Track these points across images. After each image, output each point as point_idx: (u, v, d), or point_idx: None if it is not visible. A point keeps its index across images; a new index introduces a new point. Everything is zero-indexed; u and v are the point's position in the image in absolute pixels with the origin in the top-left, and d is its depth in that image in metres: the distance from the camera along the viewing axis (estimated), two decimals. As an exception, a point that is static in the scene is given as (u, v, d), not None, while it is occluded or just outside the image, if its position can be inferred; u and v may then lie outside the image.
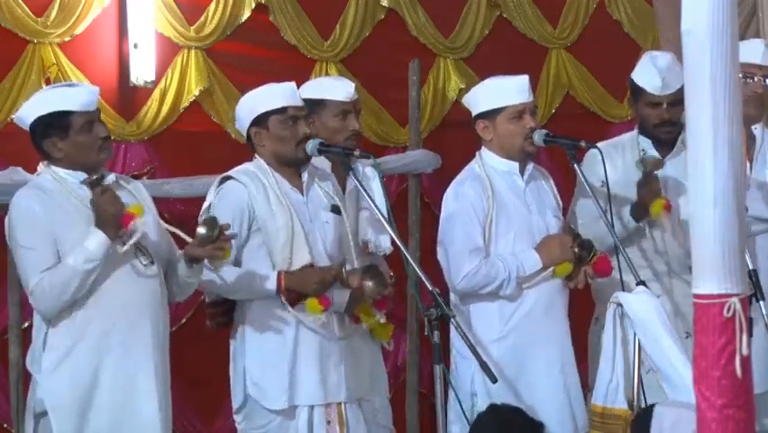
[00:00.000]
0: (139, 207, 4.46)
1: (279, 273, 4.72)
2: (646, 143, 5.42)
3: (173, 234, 4.70)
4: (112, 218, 4.39)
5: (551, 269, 5.09)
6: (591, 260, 5.08)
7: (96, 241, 4.38)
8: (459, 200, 5.15)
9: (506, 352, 5.07)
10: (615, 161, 5.36)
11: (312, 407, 4.79)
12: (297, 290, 4.71)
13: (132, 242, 4.41)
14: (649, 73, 5.34)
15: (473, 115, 5.25)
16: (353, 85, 5.23)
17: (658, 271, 5.32)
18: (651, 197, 5.19)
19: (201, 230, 4.45)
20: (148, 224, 4.58)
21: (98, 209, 4.39)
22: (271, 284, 4.72)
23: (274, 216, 4.77)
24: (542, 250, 5.09)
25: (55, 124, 4.47)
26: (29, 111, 4.56)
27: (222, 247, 4.45)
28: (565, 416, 5.11)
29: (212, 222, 4.46)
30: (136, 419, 4.50)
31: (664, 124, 5.31)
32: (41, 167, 4.59)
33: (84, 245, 4.38)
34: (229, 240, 4.48)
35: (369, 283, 4.76)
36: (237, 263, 4.78)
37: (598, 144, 5.38)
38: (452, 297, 5.20)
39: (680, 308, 5.20)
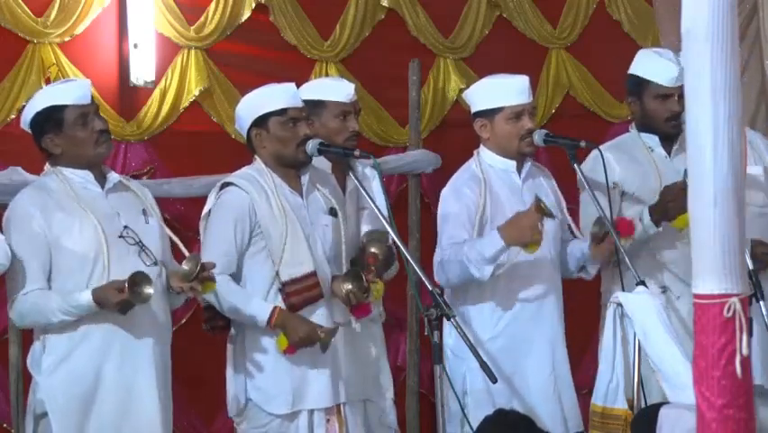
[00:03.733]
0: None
1: (275, 309, 4.68)
2: (652, 141, 5.41)
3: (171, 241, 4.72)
4: (109, 308, 4.39)
5: (519, 248, 4.95)
6: (608, 233, 4.96)
7: (85, 303, 4.38)
8: (453, 200, 5.16)
9: (497, 352, 5.06)
10: (623, 161, 5.35)
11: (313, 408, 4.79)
12: (282, 331, 4.67)
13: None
14: (660, 65, 5.32)
15: (472, 112, 5.26)
16: (353, 86, 5.23)
17: (664, 279, 5.31)
18: (678, 211, 5.12)
19: (184, 266, 4.45)
20: (152, 226, 4.60)
21: (109, 294, 4.34)
22: (263, 317, 4.68)
23: (276, 221, 4.76)
24: (504, 231, 4.93)
25: (49, 119, 4.49)
26: (27, 110, 4.60)
27: (195, 288, 4.43)
28: (556, 417, 5.11)
29: (195, 260, 4.44)
30: (137, 421, 4.51)
31: (675, 116, 5.28)
32: (47, 167, 4.60)
33: (75, 296, 4.39)
34: (210, 279, 4.46)
35: (348, 286, 4.74)
36: (238, 270, 4.78)
37: (599, 147, 5.38)
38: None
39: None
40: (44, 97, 4.57)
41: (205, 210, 4.88)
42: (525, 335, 5.10)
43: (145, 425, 4.52)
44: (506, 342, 5.09)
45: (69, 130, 4.49)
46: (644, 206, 5.27)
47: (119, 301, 4.33)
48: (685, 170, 4.94)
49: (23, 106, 5.52)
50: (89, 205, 4.50)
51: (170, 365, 4.68)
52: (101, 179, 4.60)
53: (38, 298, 4.42)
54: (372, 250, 4.88)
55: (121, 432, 4.49)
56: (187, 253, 4.56)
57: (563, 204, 5.37)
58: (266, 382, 4.77)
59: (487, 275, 4.96)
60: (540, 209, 4.86)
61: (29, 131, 4.60)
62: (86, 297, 4.37)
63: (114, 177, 4.64)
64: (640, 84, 5.38)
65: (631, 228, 5.05)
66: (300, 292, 4.72)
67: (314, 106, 5.06)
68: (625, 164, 5.34)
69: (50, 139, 4.51)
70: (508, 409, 4.31)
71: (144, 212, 4.64)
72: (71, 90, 4.55)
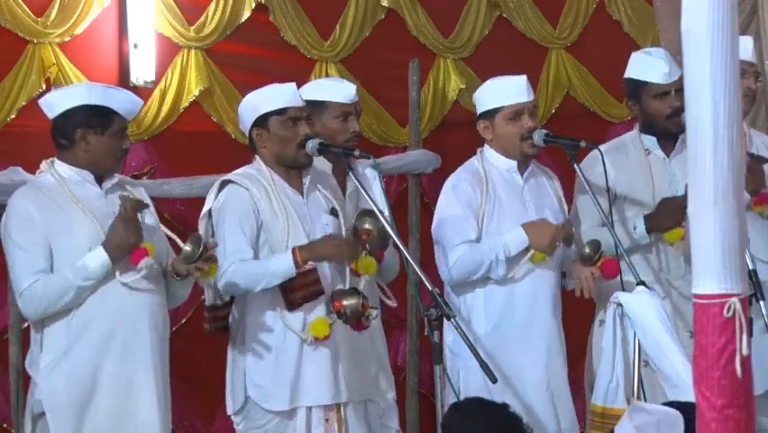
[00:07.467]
0: (152, 246, 4.47)
1: (294, 251, 4.67)
2: (651, 142, 5.41)
3: (169, 240, 4.71)
4: (124, 247, 4.41)
5: (530, 253, 5.05)
6: (598, 261, 5.05)
7: (98, 262, 4.39)
8: (453, 194, 5.18)
9: (491, 348, 5.07)
10: (618, 163, 5.35)
11: (311, 406, 4.79)
12: (315, 257, 4.67)
13: (134, 277, 4.43)
14: (651, 65, 5.34)
15: (477, 115, 5.29)
16: (354, 87, 5.23)
17: (659, 272, 5.31)
18: (672, 224, 5.18)
19: (186, 247, 4.45)
20: (147, 225, 4.59)
21: (116, 232, 4.39)
22: (288, 264, 4.65)
23: (276, 217, 4.76)
24: (530, 230, 5.05)
25: (96, 117, 4.46)
26: (71, 95, 4.55)
27: (201, 268, 4.42)
28: (548, 414, 5.12)
29: (197, 239, 4.45)
30: (135, 420, 4.50)
31: (676, 112, 5.27)
32: (43, 165, 4.59)
33: (84, 263, 4.39)
34: (213, 259, 4.46)
35: (352, 302, 4.73)
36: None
37: (599, 147, 5.39)
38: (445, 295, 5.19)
39: (680, 309, 5.20)
40: (100, 94, 4.53)
41: (205, 209, 4.88)
42: (519, 331, 5.11)
43: (143, 425, 4.51)
44: (499, 338, 5.10)
45: (109, 137, 4.49)
46: (638, 209, 5.28)
47: (125, 222, 4.37)
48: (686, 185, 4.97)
49: (23, 105, 5.56)
50: (86, 204, 4.49)
51: (170, 364, 4.67)
52: (99, 178, 4.59)
53: (47, 279, 4.41)
54: (366, 226, 4.87)
55: (119, 431, 4.49)
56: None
57: (565, 206, 5.38)
58: (265, 379, 4.77)
59: (501, 275, 5.04)
60: (565, 231, 5.04)
61: (61, 110, 4.51)
62: (96, 256, 4.38)
63: (113, 178, 4.63)
64: (637, 86, 5.40)
65: (616, 270, 5.04)
66: (301, 288, 4.73)
67: (314, 107, 5.06)
68: (619, 167, 5.33)
69: (85, 134, 4.48)
70: (460, 400, 4.29)
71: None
72: (127, 102, 4.57)
